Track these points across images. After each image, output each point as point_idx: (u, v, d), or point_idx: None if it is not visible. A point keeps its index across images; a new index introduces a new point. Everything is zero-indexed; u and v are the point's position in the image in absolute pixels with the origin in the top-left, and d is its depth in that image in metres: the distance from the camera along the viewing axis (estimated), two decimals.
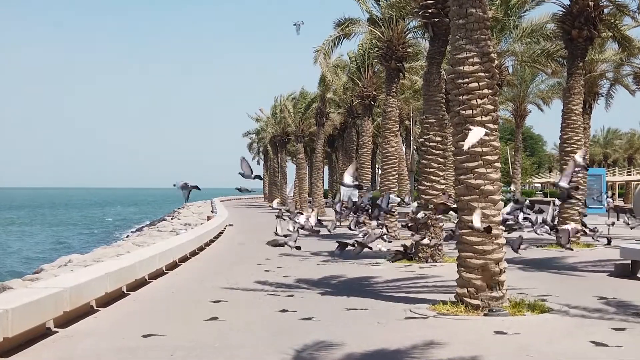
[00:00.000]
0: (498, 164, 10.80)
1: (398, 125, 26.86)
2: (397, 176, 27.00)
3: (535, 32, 26.32)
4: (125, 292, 12.81)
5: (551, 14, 25.21)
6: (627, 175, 79.87)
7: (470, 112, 10.68)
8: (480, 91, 10.68)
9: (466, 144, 9.66)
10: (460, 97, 10.75)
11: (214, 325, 10.00)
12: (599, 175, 34.89)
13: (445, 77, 25.37)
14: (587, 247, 21.36)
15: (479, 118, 10.66)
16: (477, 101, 10.68)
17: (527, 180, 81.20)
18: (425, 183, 17.65)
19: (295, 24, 11.60)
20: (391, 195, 13.03)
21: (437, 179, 17.58)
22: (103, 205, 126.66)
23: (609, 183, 70.74)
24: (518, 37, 26.66)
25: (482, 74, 10.67)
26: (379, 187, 26.49)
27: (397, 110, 25.85)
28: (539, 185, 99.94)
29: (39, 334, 9.12)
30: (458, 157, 10.82)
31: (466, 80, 10.70)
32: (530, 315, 10.25)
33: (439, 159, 17.58)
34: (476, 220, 10.06)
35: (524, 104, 40.90)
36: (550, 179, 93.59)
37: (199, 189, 11.54)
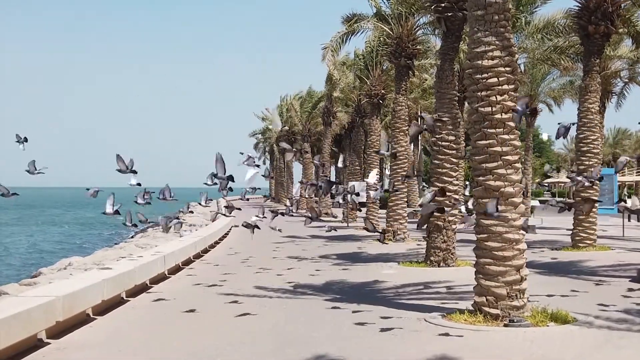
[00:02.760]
0: (519, 165, 10.15)
1: (407, 125, 26.16)
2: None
3: (548, 27, 25.60)
4: (125, 298, 12.23)
5: (565, 10, 24.54)
6: (636, 175, 78.94)
7: (489, 109, 10.04)
8: (500, 87, 10.03)
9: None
10: (479, 94, 10.11)
11: (215, 335, 9.40)
12: (610, 175, 34.19)
13: (458, 74, 24.83)
14: (604, 250, 20.66)
15: (498, 116, 10.02)
16: (496, 98, 10.03)
17: (536, 181, 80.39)
18: (438, 184, 16.98)
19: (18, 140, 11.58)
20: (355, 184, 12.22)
21: (449, 179, 16.93)
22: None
23: (619, 183, 69.83)
24: (530, 34, 25.95)
25: (502, 69, 10.03)
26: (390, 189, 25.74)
27: (407, 109, 25.20)
28: (547, 185, 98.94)
29: (29, 346, 8.55)
30: (476, 157, 10.17)
31: (485, 75, 10.06)
32: (553, 326, 9.60)
33: (452, 159, 16.92)
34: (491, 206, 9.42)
35: (535, 103, 40.15)
36: (558, 179, 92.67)
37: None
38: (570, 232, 21.61)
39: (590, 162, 20.88)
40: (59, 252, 35.54)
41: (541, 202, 13.55)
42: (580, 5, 20.98)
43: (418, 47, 24.26)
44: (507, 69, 10.04)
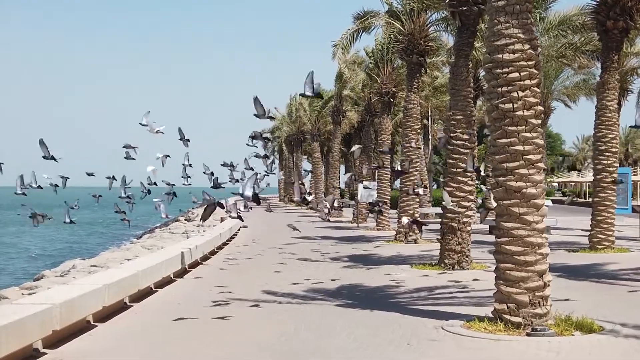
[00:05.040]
0: (541, 165, 9.61)
1: (420, 123, 25.64)
2: (418, 176, 25.82)
3: (563, 24, 25.05)
4: (128, 303, 11.75)
5: (580, 6, 24.02)
6: None
7: (510, 105, 9.51)
8: (521, 82, 9.50)
9: None
10: (499, 89, 9.58)
11: (220, 345, 8.91)
12: (625, 174, 33.57)
13: (473, 71, 24.26)
14: (623, 252, 20.06)
15: (520, 112, 9.49)
16: (518, 94, 9.50)
17: (548, 180, 79.68)
18: (452, 184, 16.45)
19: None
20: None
21: (464, 179, 16.38)
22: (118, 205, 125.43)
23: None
24: (545, 31, 25.40)
25: (524, 63, 9.49)
26: (399, 187, 25.31)
27: (419, 107, 24.65)
28: (557, 184, 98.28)
29: (24, 356, 8.09)
30: (496, 157, 9.64)
31: (506, 70, 9.53)
32: (579, 335, 9.05)
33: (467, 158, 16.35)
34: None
35: (548, 102, 39.44)
36: (569, 178, 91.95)
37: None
38: (587, 233, 21.07)
39: (609, 161, 20.31)
40: (70, 254, 35.07)
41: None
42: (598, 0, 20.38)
43: (430, 43, 23.71)
44: (530, 62, 9.51)
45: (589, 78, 34.62)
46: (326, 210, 12.21)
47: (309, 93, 9.91)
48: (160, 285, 13.78)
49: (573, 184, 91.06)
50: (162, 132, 11.55)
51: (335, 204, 10.49)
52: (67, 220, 13.28)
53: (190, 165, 12.92)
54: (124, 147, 12.37)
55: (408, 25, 23.34)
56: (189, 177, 13.00)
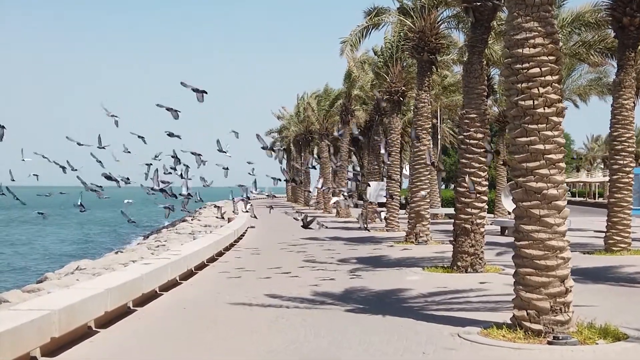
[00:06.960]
0: (563, 164, 9.18)
1: (430, 122, 25.21)
2: (429, 176, 25.38)
3: (577, 21, 24.55)
4: (132, 307, 11.36)
5: (594, 3, 23.51)
6: None
7: (530, 102, 9.08)
8: (542, 78, 9.07)
9: None
10: (519, 86, 9.15)
11: (228, 352, 8.52)
12: (637, 175, 33.03)
13: (486, 68, 23.82)
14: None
15: (540, 110, 9.06)
16: (538, 90, 9.07)
17: None
18: (465, 185, 15.99)
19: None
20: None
21: (478, 180, 15.93)
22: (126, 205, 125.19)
23: None
24: (558, 28, 24.88)
25: (545, 58, 9.06)
26: (409, 187, 24.89)
27: (430, 106, 24.19)
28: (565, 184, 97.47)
29: None
30: (516, 156, 9.21)
31: (526, 65, 9.10)
32: (603, 343, 8.62)
33: (481, 158, 15.91)
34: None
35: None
36: (578, 178, 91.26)
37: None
38: (601, 234, 20.61)
39: (625, 161, 19.84)
40: (79, 254, 34.80)
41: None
42: None
43: (441, 41, 23.27)
44: (551, 57, 9.07)
45: (602, 77, 34.08)
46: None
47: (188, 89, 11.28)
48: (166, 289, 13.39)
49: (582, 184, 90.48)
50: (116, 117, 12.36)
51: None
52: (41, 212, 14.89)
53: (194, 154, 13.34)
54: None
55: (419, 22, 22.93)
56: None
